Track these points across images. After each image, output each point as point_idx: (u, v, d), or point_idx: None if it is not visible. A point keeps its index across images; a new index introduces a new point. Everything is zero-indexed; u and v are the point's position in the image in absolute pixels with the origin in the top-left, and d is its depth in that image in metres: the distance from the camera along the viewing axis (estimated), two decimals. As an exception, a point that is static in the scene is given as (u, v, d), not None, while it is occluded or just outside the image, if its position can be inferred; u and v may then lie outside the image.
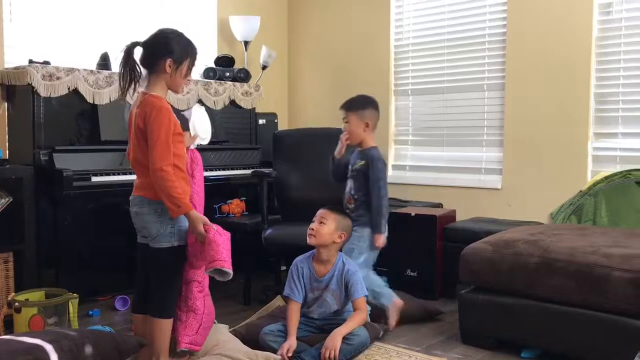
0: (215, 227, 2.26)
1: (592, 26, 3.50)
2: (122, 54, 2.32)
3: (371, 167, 2.92)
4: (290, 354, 2.47)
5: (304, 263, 2.73)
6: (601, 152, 3.54)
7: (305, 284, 2.70)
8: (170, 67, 2.30)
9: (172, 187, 2.20)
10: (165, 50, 2.29)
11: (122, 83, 2.33)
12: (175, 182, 2.21)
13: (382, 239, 2.91)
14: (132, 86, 2.34)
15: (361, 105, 3.03)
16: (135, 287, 2.51)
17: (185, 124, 2.51)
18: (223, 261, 2.20)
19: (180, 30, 2.40)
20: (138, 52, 2.35)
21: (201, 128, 2.62)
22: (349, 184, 3.02)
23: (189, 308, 2.42)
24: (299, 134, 3.95)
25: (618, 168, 3.45)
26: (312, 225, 2.68)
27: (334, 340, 2.46)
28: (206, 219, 2.27)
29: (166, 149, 2.21)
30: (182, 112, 2.64)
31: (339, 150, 3.05)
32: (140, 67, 2.33)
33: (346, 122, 3.01)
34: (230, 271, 2.22)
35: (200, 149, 2.62)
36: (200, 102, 3.94)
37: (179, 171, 2.30)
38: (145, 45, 2.33)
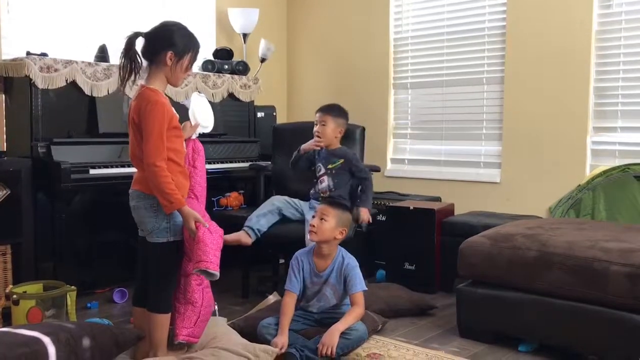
0: (207, 225, 2.25)
1: (592, 20, 3.49)
2: (123, 44, 2.30)
3: (354, 162, 3.26)
4: (282, 351, 2.46)
5: (305, 257, 2.72)
6: (600, 146, 3.54)
7: (305, 278, 2.69)
8: (171, 60, 2.28)
9: (164, 183, 2.18)
10: (168, 42, 2.27)
11: (121, 73, 2.30)
12: (169, 177, 2.19)
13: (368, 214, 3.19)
14: (132, 77, 2.31)
15: (341, 113, 3.33)
16: (136, 279, 2.51)
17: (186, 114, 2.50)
18: (209, 262, 2.20)
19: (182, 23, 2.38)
20: (138, 43, 2.32)
21: (201, 116, 2.60)
22: (327, 180, 3.27)
23: (188, 300, 2.42)
24: (299, 127, 3.94)
25: (617, 162, 3.45)
26: (312, 222, 2.66)
27: (332, 337, 2.46)
28: (198, 216, 2.24)
29: (160, 144, 2.19)
30: (182, 102, 2.62)
31: (309, 147, 3.31)
32: (141, 58, 2.32)
33: (323, 125, 3.26)
34: (216, 273, 2.22)
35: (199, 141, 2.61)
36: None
37: (177, 166, 2.28)
38: (148, 36, 2.31)
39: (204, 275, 2.26)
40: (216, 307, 2.67)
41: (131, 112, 2.28)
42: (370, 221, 3.22)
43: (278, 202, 3.19)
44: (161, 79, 2.31)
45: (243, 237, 3.05)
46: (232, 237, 2.99)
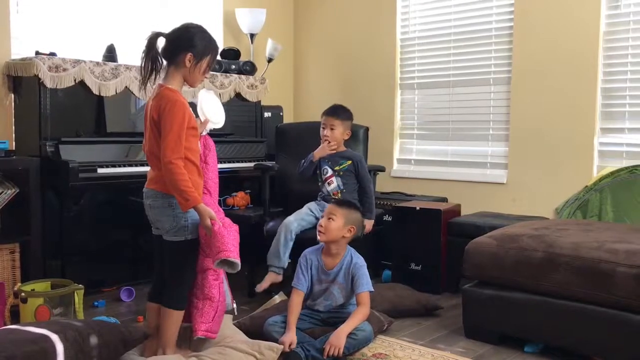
0: (220, 223, 2.27)
1: (600, 20, 3.48)
2: (144, 44, 2.32)
3: (361, 166, 3.29)
4: (292, 347, 2.47)
5: (313, 255, 2.73)
6: (607, 147, 3.53)
7: (313, 276, 2.70)
8: (190, 61, 2.30)
9: (181, 180, 2.20)
10: (188, 44, 2.30)
11: (142, 73, 2.33)
12: (185, 175, 2.21)
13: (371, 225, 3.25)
14: (153, 77, 2.34)
15: (348, 115, 3.34)
16: (153, 276, 2.53)
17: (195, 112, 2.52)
18: (229, 251, 2.21)
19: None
20: (159, 43, 2.34)
21: (210, 111, 2.61)
22: (335, 181, 3.28)
23: (205, 296, 2.44)
24: (301, 127, 3.95)
25: (624, 163, 3.44)
26: (320, 222, 2.68)
27: (339, 339, 2.46)
28: (213, 214, 2.26)
29: (178, 142, 2.21)
30: (189, 101, 2.64)
31: (324, 153, 3.28)
32: (162, 58, 2.34)
33: (332, 129, 3.27)
34: (238, 261, 2.23)
35: (206, 141, 2.62)
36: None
37: (193, 165, 2.30)
38: (168, 37, 2.33)
39: (225, 267, 2.26)
40: (235, 305, 2.68)
41: (150, 110, 2.29)
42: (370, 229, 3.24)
43: (291, 225, 3.14)
44: (179, 80, 2.34)
45: (274, 278, 3.12)
46: (265, 283, 3.09)
